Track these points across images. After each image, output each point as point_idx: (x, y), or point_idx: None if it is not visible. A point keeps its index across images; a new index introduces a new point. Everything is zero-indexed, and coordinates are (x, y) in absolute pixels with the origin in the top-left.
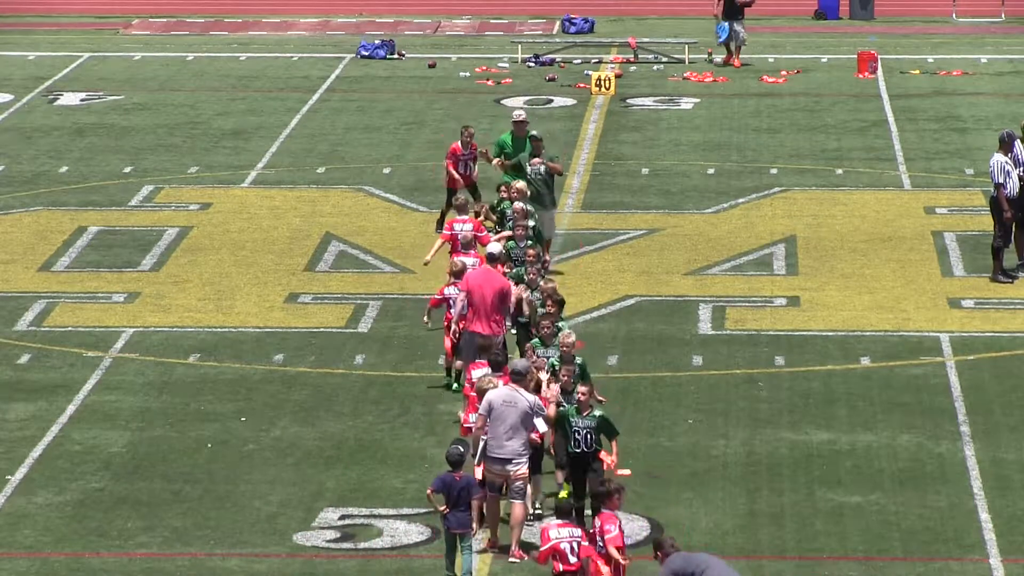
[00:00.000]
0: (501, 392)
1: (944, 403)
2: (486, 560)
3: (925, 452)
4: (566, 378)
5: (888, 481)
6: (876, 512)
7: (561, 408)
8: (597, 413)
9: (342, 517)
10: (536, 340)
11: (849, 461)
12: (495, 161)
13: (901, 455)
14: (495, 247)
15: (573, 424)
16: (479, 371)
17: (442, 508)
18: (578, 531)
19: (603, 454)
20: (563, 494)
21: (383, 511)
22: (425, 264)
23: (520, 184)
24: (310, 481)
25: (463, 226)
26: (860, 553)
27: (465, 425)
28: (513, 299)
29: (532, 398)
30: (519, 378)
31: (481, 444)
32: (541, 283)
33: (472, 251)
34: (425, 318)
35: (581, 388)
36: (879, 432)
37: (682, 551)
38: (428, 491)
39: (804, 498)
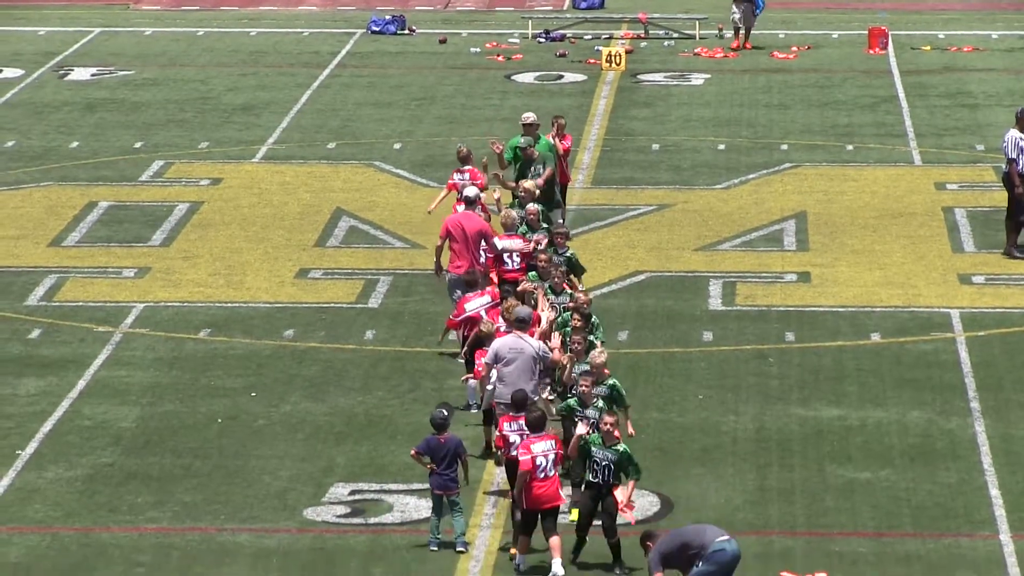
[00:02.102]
0: (507, 340)
1: (954, 379)
2: (495, 536)
3: (935, 428)
4: (585, 388)
5: (898, 457)
6: (886, 488)
7: (584, 438)
8: (621, 448)
9: (352, 492)
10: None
11: (859, 437)
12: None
13: (911, 431)
14: (471, 191)
15: (594, 454)
16: (474, 302)
17: (428, 464)
18: (553, 442)
19: (617, 492)
20: (572, 517)
21: (393, 486)
22: (428, 213)
23: (528, 183)
24: (320, 456)
25: (463, 176)
26: (870, 529)
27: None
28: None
29: (537, 343)
30: (522, 325)
31: (489, 389)
32: (570, 291)
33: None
34: (440, 339)
35: (607, 418)
36: (889, 408)
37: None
38: (412, 452)
39: (814, 474)
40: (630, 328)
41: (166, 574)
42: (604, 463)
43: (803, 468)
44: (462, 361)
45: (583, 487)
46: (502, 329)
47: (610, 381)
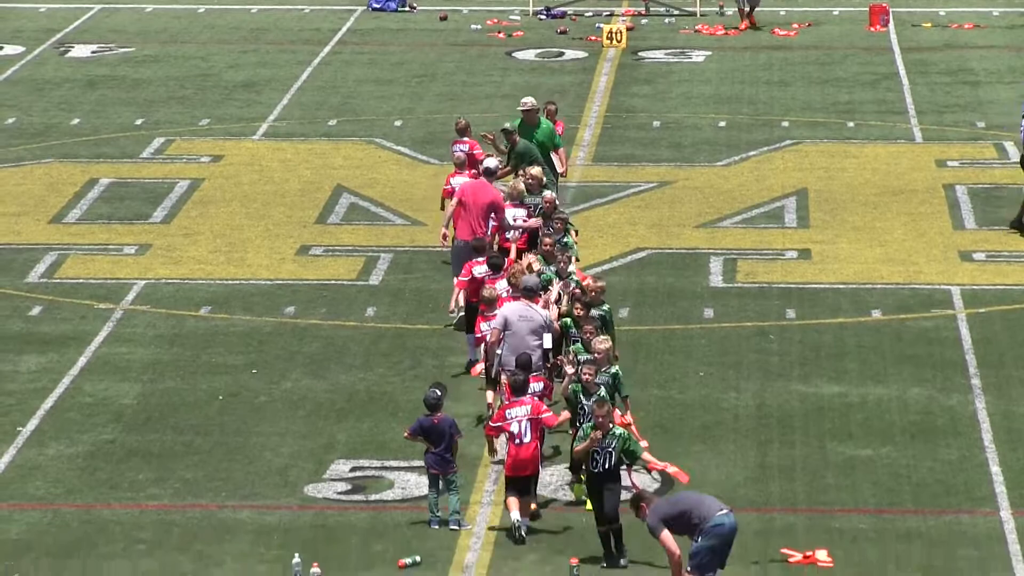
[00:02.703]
0: (516, 307)
1: (955, 356)
2: (496, 512)
3: (936, 405)
4: (587, 377)
5: (899, 434)
6: (887, 465)
7: (582, 428)
8: (618, 431)
9: (353, 469)
10: (578, 345)
11: (860, 414)
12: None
13: (912, 408)
14: (491, 162)
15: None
16: (480, 268)
17: (424, 442)
18: (528, 408)
19: (634, 477)
20: (576, 493)
21: (394, 463)
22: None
23: (535, 170)
24: (321, 433)
25: (461, 147)
26: (871, 506)
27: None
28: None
29: (545, 312)
30: (530, 294)
31: (497, 359)
32: (579, 276)
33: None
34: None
35: (598, 410)
36: (890, 385)
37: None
38: (405, 434)
39: (815, 451)
40: (631, 305)
41: (167, 551)
42: (604, 452)
43: (804, 445)
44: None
45: (585, 480)
46: (503, 295)
47: (612, 369)
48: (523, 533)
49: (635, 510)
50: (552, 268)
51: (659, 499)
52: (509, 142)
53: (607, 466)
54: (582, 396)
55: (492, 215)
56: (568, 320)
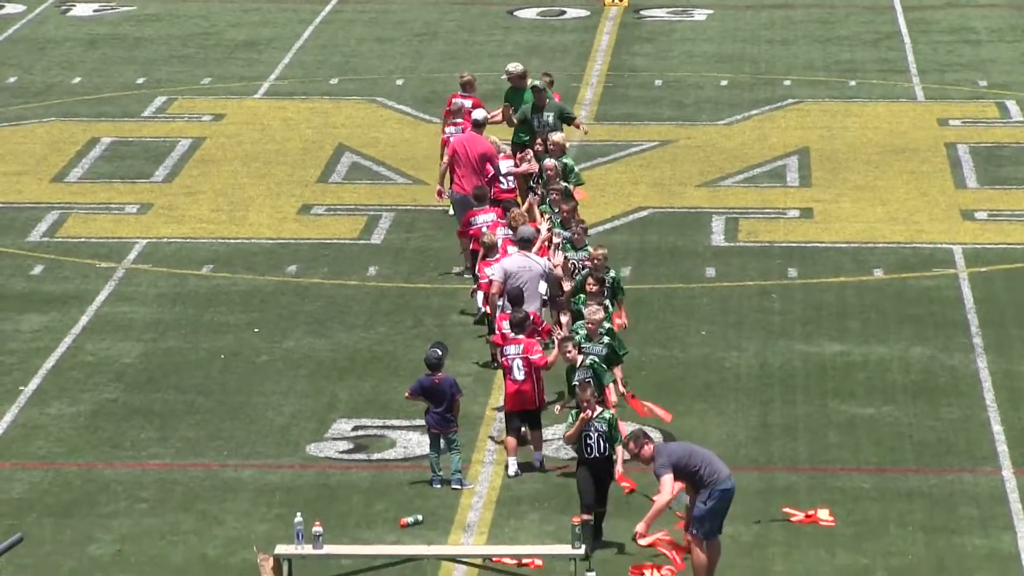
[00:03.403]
0: (515, 259)
1: (957, 315)
2: (497, 472)
3: (938, 364)
4: (591, 327)
5: (901, 393)
6: (889, 424)
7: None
8: (607, 415)
9: (355, 428)
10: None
11: (862, 373)
12: (494, 114)
13: (914, 367)
14: (479, 113)
15: (587, 429)
16: (481, 217)
17: (425, 401)
18: (522, 347)
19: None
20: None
21: (396, 422)
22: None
23: (557, 136)
24: (323, 392)
25: (462, 101)
26: (873, 465)
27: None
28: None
29: (544, 262)
30: (527, 244)
31: (499, 309)
32: (590, 249)
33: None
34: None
35: (583, 394)
36: (892, 344)
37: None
38: (406, 394)
39: (817, 410)
40: (633, 264)
41: (169, 510)
42: (596, 435)
43: (806, 404)
44: (469, 276)
45: (578, 465)
46: (502, 239)
47: (612, 274)
48: (543, 465)
49: (636, 447)
50: (566, 232)
51: (670, 442)
52: (537, 100)
53: (601, 451)
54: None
55: (487, 165)
56: (582, 297)
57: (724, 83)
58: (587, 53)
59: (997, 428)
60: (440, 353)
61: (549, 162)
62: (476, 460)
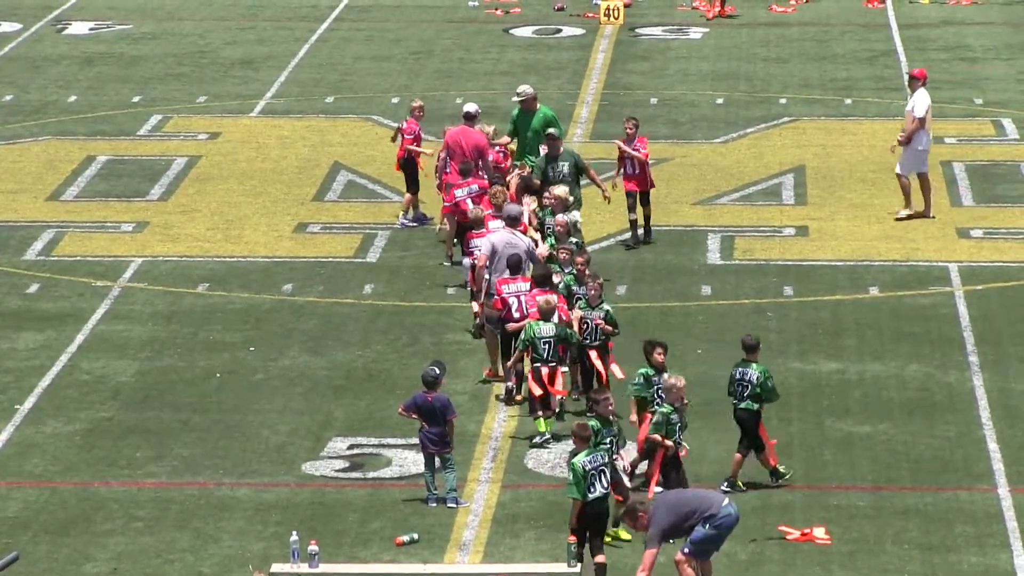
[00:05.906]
0: (502, 235)
1: (952, 333)
2: (493, 490)
3: (934, 382)
4: (581, 267)
5: (897, 411)
6: (885, 442)
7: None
8: (615, 430)
9: (351, 446)
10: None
11: (858, 391)
12: (514, 174)
13: (910, 385)
14: (471, 106)
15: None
16: (463, 190)
17: (417, 418)
18: (526, 286)
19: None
20: (541, 427)
21: (392, 440)
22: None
23: (559, 190)
24: (319, 410)
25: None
26: (869, 483)
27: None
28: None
29: (528, 240)
30: (514, 223)
31: (484, 283)
32: (587, 273)
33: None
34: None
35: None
36: (888, 362)
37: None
38: (399, 409)
39: (813, 427)
40: (628, 282)
41: (165, 528)
42: (608, 439)
43: (801, 421)
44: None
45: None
46: (485, 214)
47: (605, 306)
48: (560, 406)
49: (632, 521)
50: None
51: (659, 505)
52: (551, 150)
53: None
54: (574, 286)
55: (479, 157)
56: (570, 279)
57: (720, 101)
58: (583, 71)
59: (993, 446)
60: (437, 372)
61: (560, 218)
62: (472, 479)
